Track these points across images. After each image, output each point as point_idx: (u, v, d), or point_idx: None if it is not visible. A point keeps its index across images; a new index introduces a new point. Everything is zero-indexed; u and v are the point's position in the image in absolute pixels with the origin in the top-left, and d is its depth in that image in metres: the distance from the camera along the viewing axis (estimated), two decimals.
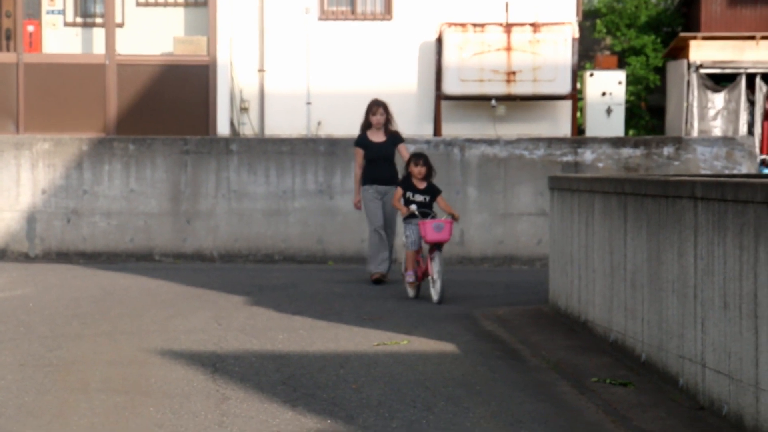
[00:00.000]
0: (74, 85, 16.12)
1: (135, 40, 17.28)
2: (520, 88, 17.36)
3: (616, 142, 14.30)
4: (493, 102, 17.47)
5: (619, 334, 7.58)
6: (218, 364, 7.21)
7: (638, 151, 14.18)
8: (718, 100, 22.21)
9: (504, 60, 17.31)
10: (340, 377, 6.84)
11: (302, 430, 5.65)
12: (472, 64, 17.27)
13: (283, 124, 17.77)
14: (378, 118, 11.78)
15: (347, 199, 13.69)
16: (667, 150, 14.18)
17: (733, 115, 22.16)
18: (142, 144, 14.15)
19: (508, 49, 17.29)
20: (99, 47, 17.10)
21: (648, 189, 6.92)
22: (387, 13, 17.95)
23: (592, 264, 8.27)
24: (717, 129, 22.14)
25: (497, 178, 14.08)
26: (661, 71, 24.18)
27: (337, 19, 17.97)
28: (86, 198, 14.09)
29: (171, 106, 16.15)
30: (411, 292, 10.57)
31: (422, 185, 10.73)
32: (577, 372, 7.07)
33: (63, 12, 17.79)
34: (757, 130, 22.16)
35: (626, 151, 14.19)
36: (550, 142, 14.24)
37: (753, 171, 14.35)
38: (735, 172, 13.96)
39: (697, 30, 23.02)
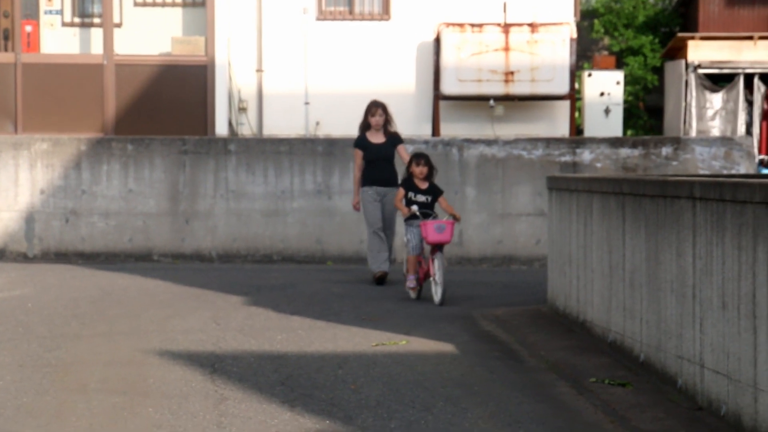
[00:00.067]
0: (72, 85, 16.12)
1: (133, 40, 17.28)
2: (518, 89, 17.38)
3: (614, 143, 14.29)
4: (492, 102, 17.48)
5: (617, 335, 7.58)
6: (216, 365, 7.21)
7: (636, 152, 14.17)
8: (716, 100, 22.21)
9: (502, 60, 17.32)
10: (338, 377, 6.84)
11: (300, 430, 5.65)
12: (470, 64, 17.28)
13: (282, 124, 17.77)
14: (377, 119, 11.73)
15: (346, 200, 13.68)
16: (666, 150, 14.18)
17: (731, 115, 22.16)
18: (140, 144, 14.14)
19: (506, 49, 17.30)
20: (97, 47, 17.10)
21: (646, 189, 6.92)
22: (385, 13, 17.95)
23: (590, 264, 8.27)
24: (715, 129, 22.14)
25: (495, 179, 14.07)
26: (659, 71, 24.18)
27: (335, 19, 17.97)
28: (85, 198, 14.08)
29: (169, 106, 16.15)
30: (412, 294, 10.56)
31: (424, 185, 10.70)
32: (575, 372, 7.07)
33: (61, 12, 17.79)
34: (756, 130, 22.16)
35: (624, 152, 14.18)
36: (549, 142, 14.23)
37: (751, 171, 14.35)
38: (733, 172, 13.96)
39: (695, 30, 23.03)
